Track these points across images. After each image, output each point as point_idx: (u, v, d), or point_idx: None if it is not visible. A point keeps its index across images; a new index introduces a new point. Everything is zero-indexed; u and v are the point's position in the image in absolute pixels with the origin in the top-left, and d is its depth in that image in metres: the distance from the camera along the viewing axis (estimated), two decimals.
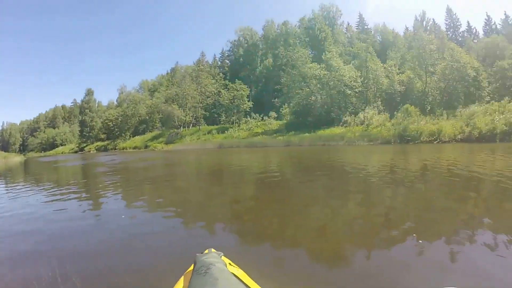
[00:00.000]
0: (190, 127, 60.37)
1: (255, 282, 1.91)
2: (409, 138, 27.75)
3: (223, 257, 2.13)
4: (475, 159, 14.75)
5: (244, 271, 2.06)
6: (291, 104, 46.61)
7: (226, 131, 50.65)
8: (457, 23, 64.83)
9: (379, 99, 39.76)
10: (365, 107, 38.30)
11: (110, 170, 16.67)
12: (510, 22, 59.75)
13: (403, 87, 39.12)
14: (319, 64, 42.61)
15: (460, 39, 59.69)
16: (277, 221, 5.22)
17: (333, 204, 6.35)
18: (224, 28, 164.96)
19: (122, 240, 4.49)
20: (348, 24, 70.08)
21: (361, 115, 36.09)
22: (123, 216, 5.85)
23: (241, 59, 70.23)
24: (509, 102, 29.44)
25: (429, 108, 36.29)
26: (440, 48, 41.27)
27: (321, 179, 9.68)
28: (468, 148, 20.50)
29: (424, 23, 61.89)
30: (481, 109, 30.71)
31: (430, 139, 27.18)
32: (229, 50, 77.92)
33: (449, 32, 61.26)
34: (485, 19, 63.35)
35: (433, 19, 63.47)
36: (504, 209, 5.79)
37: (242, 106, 54.06)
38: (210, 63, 79.12)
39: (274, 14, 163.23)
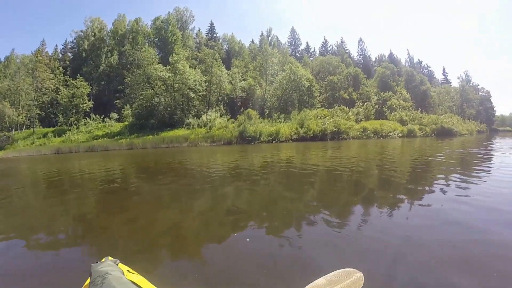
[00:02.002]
0: (23, 130, 50.42)
1: (156, 287, 1.86)
2: (250, 138, 29.10)
3: (120, 265, 2.03)
4: (309, 154, 16.89)
5: (145, 277, 1.97)
6: (133, 105, 43.80)
7: (63, 134, 44.19)
8: (298, 42, 74.99)
9: (222, 103, 40.82)
10: (208, 110, 38.54)
11: None
12: (344, 47, 72.09)
13: (245, 93, 41.17)
14: (165, 66, 41.35)
15: (299, 55, 67.79)
16: (132, 228, 4.74)
17: (186, 204, 6.14)
18: (72, 14, 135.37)
19: None
20: (199, 30, 70.19)
21: (204, 117, 36.12)
22: None
23: (85, 54, 62.89)
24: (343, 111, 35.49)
25: (268, 112, 39.12)
26: (281, 61, 45.31)
27: (168, 181, 9.23)
28: (303, 146, 23.21)
29: (270, 38, 66.36)
30: (313, 113, 34.57)
31: (269, 139, 29.50)
32: (72, 42, 68.62)
33: (290, 49, 67.44)
34: (322, 42, 76.40)
35: (277, 36, 69.30)
36: (336, 191, 7.02)
37: (81, 106, 47.77)
38: (51, 54, 67.26)
39: (128, 9, 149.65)
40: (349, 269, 1.90)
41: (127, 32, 63.05)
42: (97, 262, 1.95)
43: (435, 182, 7.82)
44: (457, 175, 8.74)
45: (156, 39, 58.75)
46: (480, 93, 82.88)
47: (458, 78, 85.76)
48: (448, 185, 7.36)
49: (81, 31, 65.44)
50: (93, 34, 63.78)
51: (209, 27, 71.89)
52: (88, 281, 1.80)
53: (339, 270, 1.88)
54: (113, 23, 65.25)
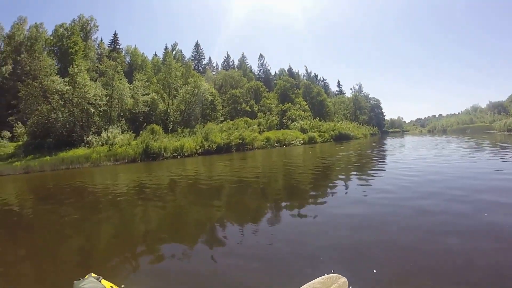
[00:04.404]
0: None
1: None
2: (154, 155, 29.13)
3: (103, 281, 2.03)
4: (215, 168, 17.25)
5: None
6: (28, 122, 40.21)
7: None
8: (202, 57, 78.81)
9: (123, 119, 39.85)
10: (108, 126, 37.50)
11: None
12: (245, 61, 77.11)
13: (147, 108, 40.96)
14: (63, 78, 38.90)
15: (201, 69, 71.23)
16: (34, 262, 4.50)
17: (90, 230, 6.06)
18: None
19: None
20: (101, 40, 66.87)
21: (104, 134, 35.08)
22: None
23: None
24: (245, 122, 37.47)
25: (171, 126, 39.93)
26: (184, 75, 46.02)
27: (69, 207, 8.66)
28: (209, 160, 23.95)
29: (174, 52, 66.80)
30: (217, 127, 35.96)
31: (174, 154, 29.76)
32: None
33: (193, 63, 69.34)
34: (225, 57, 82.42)
35: (181, 50, 70.91)
36: (247, 203, 7.21)
37: None
38: None
39: (30, 11, 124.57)
40: (333, 274, 2.00)
41: (25, 38, 55.67)
42: (79, 279, 2.01)
43: (337, 182, 9.37)
44: (355, 173, 10.48)
45: (56, 48, 54.47)
46: (371, 101, 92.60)
47: (351, 89, 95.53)
48: (347, 185, 8.85)
49: None
50: None
51: (112, 38, 69.06)
52: None
53: (323, 276, 1.97)
54: (12, 26, 56.67)
